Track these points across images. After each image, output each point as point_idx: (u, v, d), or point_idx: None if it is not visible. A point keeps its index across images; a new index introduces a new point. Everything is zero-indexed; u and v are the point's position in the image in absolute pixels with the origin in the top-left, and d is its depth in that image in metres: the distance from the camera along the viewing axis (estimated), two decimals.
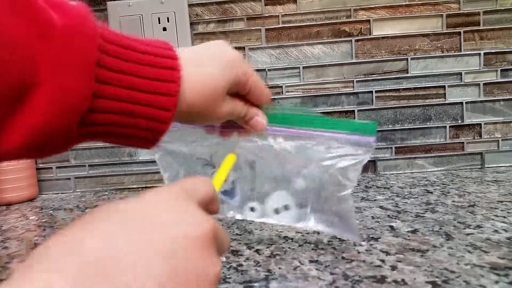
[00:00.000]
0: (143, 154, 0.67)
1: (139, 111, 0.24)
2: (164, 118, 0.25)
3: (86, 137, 0.24)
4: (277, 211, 0.31)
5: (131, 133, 0.25)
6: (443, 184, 0.55)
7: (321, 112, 0.65)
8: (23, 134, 0.21)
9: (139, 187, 0.67)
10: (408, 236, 0.34)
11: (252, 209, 0.32)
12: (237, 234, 0.38)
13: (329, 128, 0.31)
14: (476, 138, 0.65)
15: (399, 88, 0.64)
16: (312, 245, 0.34)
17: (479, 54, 0.63)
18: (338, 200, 0.31)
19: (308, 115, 0.32)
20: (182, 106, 0.25)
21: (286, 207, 0.31)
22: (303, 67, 0.65)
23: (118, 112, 0.24)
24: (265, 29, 0.64)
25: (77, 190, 0.68)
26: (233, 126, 0.31)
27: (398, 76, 0.64)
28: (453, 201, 0.45)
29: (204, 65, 0.27)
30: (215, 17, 0.64)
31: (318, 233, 0.37)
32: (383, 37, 0.64)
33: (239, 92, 0.29)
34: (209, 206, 0.21)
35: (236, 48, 0.65)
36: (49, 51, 0.20)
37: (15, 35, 0.19)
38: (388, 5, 0.63)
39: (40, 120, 0.21)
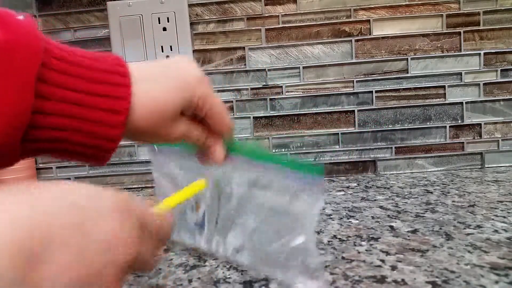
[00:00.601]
0: (143, 154, 0.67)
1: (85, 128, 0.23)
2: (112, 136, 0.24)
3: (31, 154, 0.24)
4: (237, 251, 0.29)
5: (78, 150, 0.24)
6: (443, 184, 0.55)
7: (321, 113, 0.65)
8: None
9: (139, 187, 0.67)
10: (408, 236, 0.34)
11: (217, 245, 0.30)
12: None
13: (282, 165, 0.28)
14: (476, 138, 0.65)
15: (399, 88, 0.64)
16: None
17: (479, 54, 0.63)
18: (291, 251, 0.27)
19: (263, 153, 0.32)
20: (130, 123, 0.24)
21: (241, 247, 0.28)
22: (303, 67, 0.65)
23: (62, 128, 0.23)
24: (265, 29, 0.64)
25: None
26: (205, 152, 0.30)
27: (398, 76, 0.64)
28: (453, 201, 0.45)
29: (157, 83, 0.25)
30: (215, 17, 0.64)
31: (318, 233, 0.37)
32: (383, 37, 0.64)
33: (196, 115, 0.28)
34: (148, 224, 0.20)
35: (236, 48, 0.66)
36: None
37: None
38: (388, 5, 0.63)
39: None
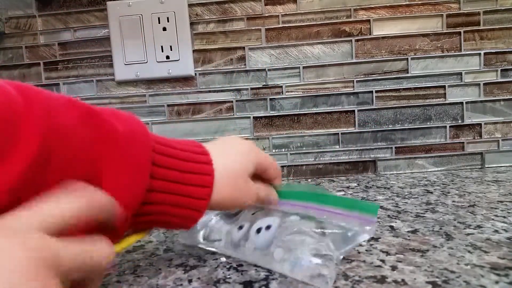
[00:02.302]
0: None
1: (180, 201, 0.27)
2: (199, 206, 0.28)
3: (135, 225, 0.27)
4: (258, 230, 0.31)
5: (172, 221, 0.28)
6: (443, 184, 0.55)
7: (321, 113, 0.65)
8: None
9: None
10: (408, 236, 0.34)
11: (240, 228, 0.32)
12: None
13: (333, 204, 0.33)
14: (476, 138, 0.65)
15: (399, 88, 0.64)
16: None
17: (479, 54, 0.63)
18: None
19: (313, 192, 0.35)
20: (214, 195, 0.29)
21: (267, 228, 0.31)
22: (303, 67, 0.65)
23: (164, 203, 0.27)
24: (265, 29, 0.64)
25: None
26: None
27: (398, 76, 0.64)
28: (453, 201, 0.45)
29: (228, 157, 0.31)
30: (215, 17, 0.64)
31: None
32: (383, 37, 0.64)
33: (259, 174, 0.33)
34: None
35: (236, 48, 0.66)
36: (114, 152, 0.24)
37: (84, 141, 0.22)
38: (388, 5, 0.63)
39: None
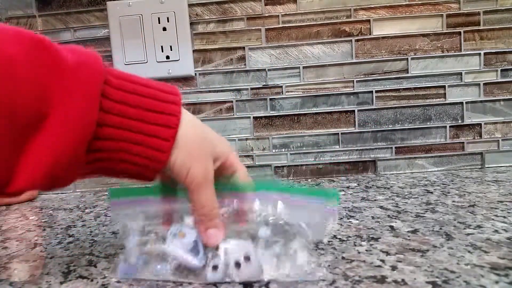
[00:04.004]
0: None
1: (140, 139, 0.26)
2: (164, 147, 0.26)
3: (93, 164, 0.26)
4: (238, 265, 0.27)
5: (132, 160, 0.26)
6: (443, 184, 0.55)
7: (321, 113, 0.65)
8: (37, 169, 0.23)
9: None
10: (408, 236, 0.34)
11: (215, 268, 0.27)
12: None
13: (295, 193, 0.31)
14: (476, 138, 0.65)
15: (399, 88, 0.64)
16: (312, 245, 0.34)
17: (479, 54, 0.63)
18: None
19: (276, 184, 0.33)
20: (177, 149, 0.27)
21: (247, 259, 0.27)
22: (303, 67, 0.65)
23: (121, 139, 0.25)
24: (265, 29, 0.64)
25: (77, 190, 0.68)
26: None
27: (398, 76, 0.64)
28: (453, 201, 0.45)
29: (202, 126, 0.30)
30: (215, 17, 0.64)
31: None
32: (383, 37, 0.64)
33: (222, 166, 0.31)
34: None
35: (236, 48, 0.66)
36: (60, 81, 0.23)
37: (30, 72, 0.22)
38: (388, 5, 0.63)
39: (54, 151, 0.23)
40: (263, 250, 0.28)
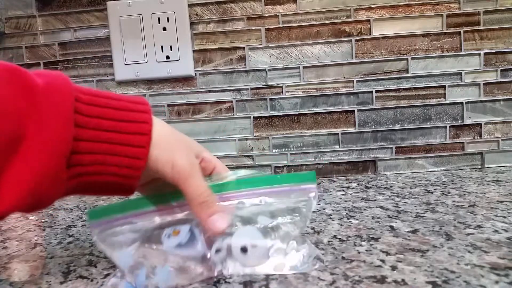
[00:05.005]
0: None
1: (117, 150, 0.27)
2: (140, 154, 0.28)
3: (74, 180, 0.26)
4: (244, 250, 0.27)
5: (111, 171, 0.27)
6: (443, 184, 0.55)
7: (321, 113, 0.65)
8: (19, 189, 0.23)
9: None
10: (408, 236, 0.34)
11: (218, 251, 0.27)
12: None
13: (274, 183, 0.31)
14: (476, 138, 0.65)
15: (399, 88, 0.64)
16: (312, 245, 0.34)
17: (479, 54, 0.63)
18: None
19: (252, 178, 0.32)
20: (154, 149, 0.28)
21: (253, 245, 0.27)
22: (303, 67, 0.65)
23: (98, 152, 0.26)
24: (265, 29, 0.64)
25: None
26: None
27: (398, 76, 0.64)
28: (453, 201, 0.45)
29: (174, 131, 0.31)
30: (215, 17, 0.64)
31: (318, 232, 0.37)
32: (383, 37, 0.64)
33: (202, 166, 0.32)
34: None
35: (236, 48, 0.66)
36: (33, 106, 0.24)
37: (6, 99, 0.23)
38: (388, 5, 0.63)
39: (34, 169, 0.23)
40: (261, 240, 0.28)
